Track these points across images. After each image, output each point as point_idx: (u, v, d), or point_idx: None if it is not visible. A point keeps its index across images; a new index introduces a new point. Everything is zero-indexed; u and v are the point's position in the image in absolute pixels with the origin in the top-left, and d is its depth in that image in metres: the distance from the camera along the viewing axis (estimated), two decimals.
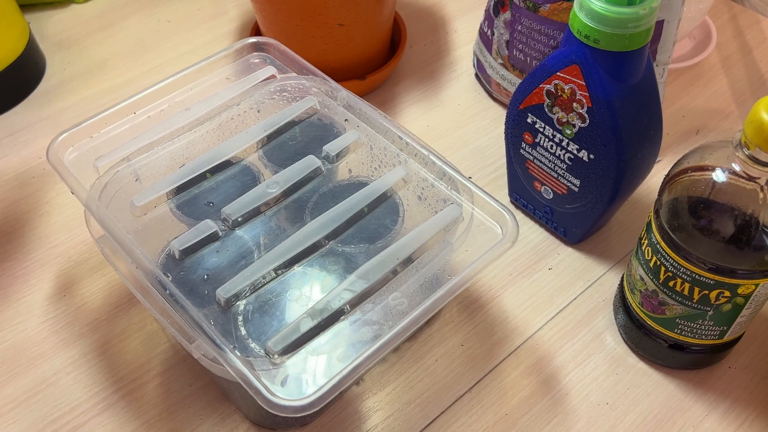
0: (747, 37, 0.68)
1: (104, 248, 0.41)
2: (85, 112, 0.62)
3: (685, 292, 0.40)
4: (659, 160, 0.57)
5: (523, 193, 0.53)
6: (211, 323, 0.35)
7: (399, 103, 0.63)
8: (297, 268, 0.40)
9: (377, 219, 0.43)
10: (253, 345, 0.37)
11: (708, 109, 0.62)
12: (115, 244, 0.40)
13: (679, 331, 0.42)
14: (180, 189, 0.44)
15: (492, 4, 0.58)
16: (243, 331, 0.38)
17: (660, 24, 0.51)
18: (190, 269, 0.40)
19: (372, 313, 0.37)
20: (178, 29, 0.71)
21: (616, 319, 0.47)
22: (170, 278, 0.39)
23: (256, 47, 0.51)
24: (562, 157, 0.47)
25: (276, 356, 0.35)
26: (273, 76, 0.50)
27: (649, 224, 0.41)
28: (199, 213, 0.43)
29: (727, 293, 0.38)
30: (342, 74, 0.60)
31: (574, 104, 0.44)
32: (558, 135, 0.46)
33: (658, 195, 0.40)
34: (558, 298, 0.49)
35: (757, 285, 0.38)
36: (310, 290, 0.40)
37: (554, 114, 0.45)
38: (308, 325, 0.36)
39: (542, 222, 0.53)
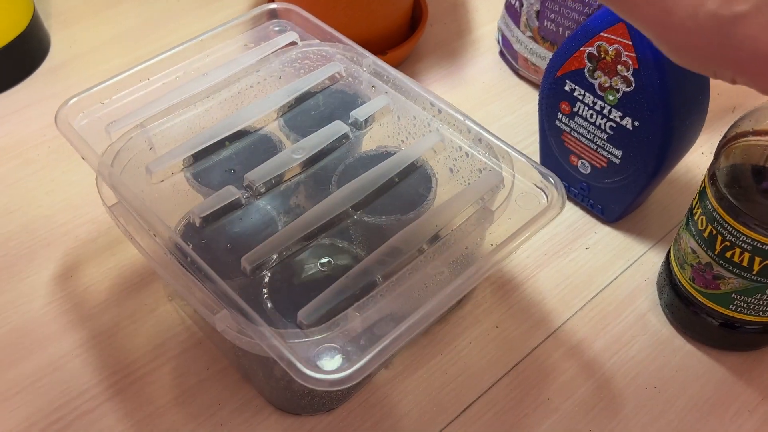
0: None
1: (118, 217, 0.38)
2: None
3: (745, 263, 0.37)
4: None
5: (557, 169, 0.50)
6: (237, 294, 0.32)
7: (421, 80, 0.61)
8: (325, 239, 0.37)
9: (409, 188, 0.40)
10: (279, 318, 0.34)
11: (743, 87, 0.59)
12: (130, 212, 0.37)
13: (734, 307, 0.39)
14: (197, 157, 0.41)
15: None
16: (269, 304, 0.35)
17: None
18: (212, 238, 0.37)
19: (409, 283, 0.34)
20: (191, 6, 0.68)
21: (660, 298, 0.44)
22: (191, 247, 0.36)
23: (276, 14, 0.48)
24: (603, 127, 0.44)
25: (308, 328, 0.32)
26: (294, 43, 0.47)
27: (702, 192, 0.38)
28: (219, 181, 0.40)
29: None
30: (366, 46, 0.58)
31: (619, 67, 0.41)
32: (599, 102, 0.43)
33: (714, 159, 0.37)
34: (597, 278, 0.46)
35: None
36: (340, 261, 0.37)
37: (596, 79, 0.43)
38: (341, 296, 0.33)
39: (578, 200, 0.50)
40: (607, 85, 0.42)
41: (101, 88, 0.42)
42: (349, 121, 0.43)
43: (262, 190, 0.39)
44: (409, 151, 0.41)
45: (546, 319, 0.44)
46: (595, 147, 0.45)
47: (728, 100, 0.58)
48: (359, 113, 0.42)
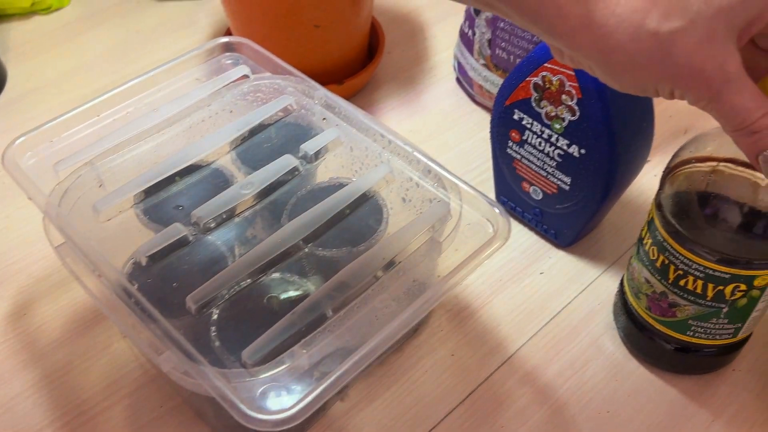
0: None
1: (65, 257, 0.37)
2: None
3: (698, 290, 0.37)
4: (649, 161, 0.56)
5: (511, 195, 0.50)
6: (181, 334, 0.32)
7: (379, 108, 0.61)
8: (274, 273, 0.37)
9: (360, 220, 0.40)
10: (228, 356, 0.34)
11: (694, 109, 0.60)
12: (77, 252, 0.36)
13: (691, 333, 0.40)
14: (147, 193, 0.41)
15: None
16: (217, 342, 0.35)
17: None
18: (159, 277, 0.37)
19: (357, 318, 0.34)
20: (148, 39, 0.68)
21: (617, 323, 0.45)
22: (136, 287, 0.36)
23: (228, 47, 0.49)
24: (551, 154, 0.45)
25: (252, 367, 0.32)
26: (246, 77, 0.47)
27: (651, 222, 0.39)
28: (168, 217, 0.40)
29: (742, 287, 0.36)
30: (319, 78, 0.57)
31: (563, 96, 0.42)
32: (547, 130, 0.44)
33: (659, 189, 0.38)
34: (551, 303, 0.47)
35: None
36: (288, 296, 0.37)
37: (542, 108, 0.43)
38: (287, 333, 0.33)
39: (532, 225, 0.51)
40: (553, 114, 0.43)
41: (50, 127, 0.42)
42: (300, 155, 0.43)
43: (211, 225, 0.39)
44: (361, 183, 0.41)
45: (501, 346, 0.45)
46: (545, 174, 0.46)
47: (680, 122, 0.59)
48: (308, 147, 0.43)
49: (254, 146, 0.44)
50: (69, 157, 0.41)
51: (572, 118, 0.42)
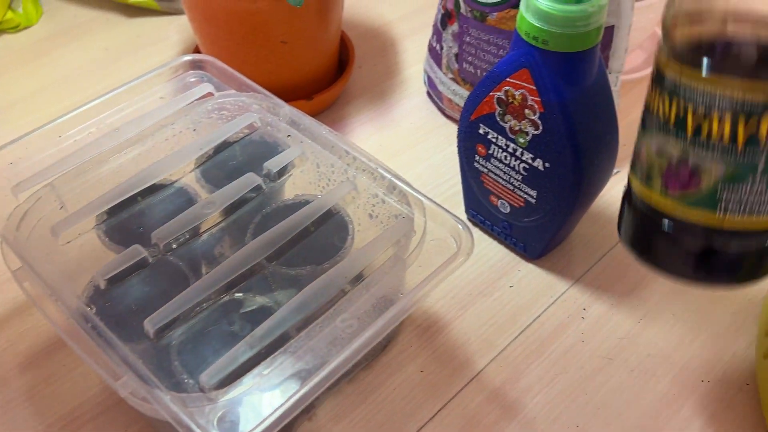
0: None
1: (22, 282, 0.37)
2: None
3: (726, 134, 0.31)
4: (617, 172, 0.56)
5: (479, 208, 0.50)
6: (139, 358, 0.32)
7: (349, 123, 0.61)
8: (237, 293, 0.37)
9: (324, 237, 0.40)
10: (187, 380, 0.34)
11: None
12: (34, 277, 0.36)
13: (723, 208, 0.32)
14: (108, 214, 0.40)
15: (439, 17, 0.56)
16: (177, 366, 0.34)
17: (610, 30, 0.50)
18: (117, 300, 0.36)
19: (318, 338, 0.34)
20: (118, 56, 0.68)
21: (624, 237, 0.39)
22: (94, 311, 0.35)
23: (193, 65, 0.48)
24: (517, 168, 0.45)
25: (211, 391, 0.32)
26: (210, 94, 0.47)
27: (658, 74, 0.33)
28: (130, 239, 0.39)
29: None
30: (288, 94, 0.58)
31: (526, 110, 0.42)
32: (511, 144, 0.44)
33: (663, 33, 0.33)
34: (521, 317, 0.47)
35: None
36: (250, 316, 0.36)
37: (506, 122, 0.43)
38: (247, 354, 0.33)
39: (501, 238, 0.51)
40: (517, 128, 0.43)
41: (9, 149, 0.42)
42: (263, 173, 0.42)
43: (173, 246, 0.38)
44: (325, 199, 0.41)
45: (470, 361, 0.44)
46: (512, 187, 0.46)
47: None
48: (272, 164, 0.42)
49: (218, 164, 0.44)
50: (29, 179, 0.41)
51: (536, 132, 0.42)
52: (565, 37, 0.38)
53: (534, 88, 0.40)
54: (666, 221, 0.35)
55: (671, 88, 0.32)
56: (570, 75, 0.40)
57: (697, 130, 0.31)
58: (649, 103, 0.34)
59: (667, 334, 0.46)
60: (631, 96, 0.62)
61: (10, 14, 0.69)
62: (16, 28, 0.70)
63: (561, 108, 0.40)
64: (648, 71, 0.63)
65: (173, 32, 0.71)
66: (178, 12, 0.72)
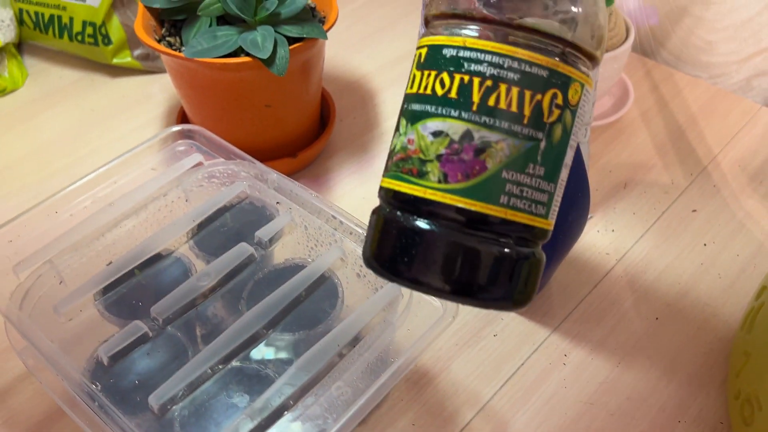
0: (662, 91, 0.71)
1: (27, 360, 0.38)
2: (3, 212, 0.60)
3: (514, 102, 0.28)
4: (591, 217, 0.59)
5: None
6: None
7: (333, 177, 0.63)
8: (234, 363, 0.39)
9: (316, 303, 0.42)
10: None
11: (633, 163, 0.63)
12: (38, 355, 0.37)
13: (506, 198, 0.29)
14: (107, 289, 0.42)
15: None
16: None
17: None
18: (120, 376, 0.38)
19: (315, 407, 0.36)
20: (104, 117, 0.70)
21: (378, 262, 0.32)
22: (99, 387, 0.37)
23: (181, 135, 0.50)
24: None
25: None
26: (200, 163, 0.49)
27: (433, 49, 0.30)
28: (130, 312, 0.41)
29: (559, 98, 0.29)
30: (273, 153, 0.60)
31: None
32: None
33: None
34: (506, 365, 0.49)
35: (583, 85, 0.30)
36: (249, 387, 0.38)
37: None
38: (248, 426, 0.35)
39: None
40: None
41: (7, 228, 0.43)
42: (255, 241, 0.44)
43: (171, 319, 0.40)
44: (315, 266, 0.43)
45: (459, 413, 0.46)
46: None
47: (619, 177, 0.62)
48: (263, 233, 0.44)
49: (211, 233, 0.46)
50: (29, 258, 0.42)
51: None
52: None
53: None
54: (441, 222, 0.30)
55: (451, 62, 0.29)
56: None
57: (485, 98, 0.29)
58: (421, 84, 0.30)
59: (644, 377, 0.48)
60: (601, 140, 0.65)
61: None
62: (2, 93, 0.72)
63: None
64: (616, 116, 0.66)
65: (157, 90, 0.73)
66: (161, 71, 0.74)
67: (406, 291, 0.41)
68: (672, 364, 0.49)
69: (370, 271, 0.43)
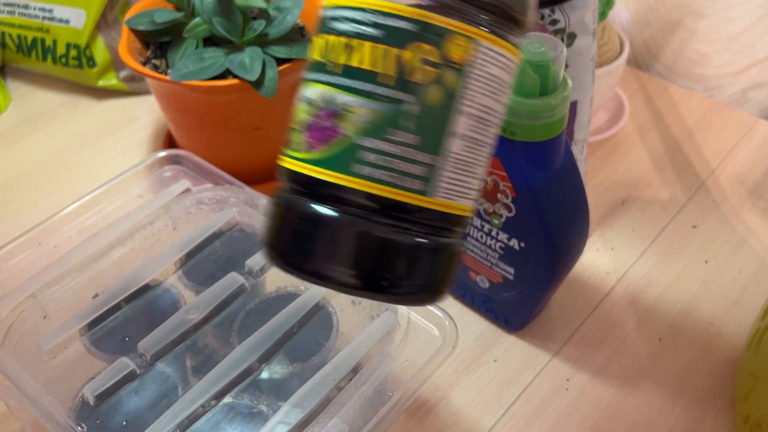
0: (657, 104, 0.70)
1: (9, 401, 0.37)
2: None
3: (373, 60, 0.25)
4: (589, 236, 0.57)
5: (459, 283, 0.51)
6: None
7: None
8: (227, 400, 0.37)
9: (310, 333, 0.41)
10: None
11: (630, 179, 0.62)
12: (22, 396, 0.36)
13: (368, 167, 0.26)
14: (93, 323, 0.40)
15: None
16: None
17: (574, 105, 0.52)
18: (107, 416, 0.36)
19: None
20: (90, 140, 0.68)
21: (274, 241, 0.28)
22: (85, 429, 0.35)
23: (169, 160, 0.49)
24: (493, 247, 0.46)
25: None
26: (188, 190, 0.47)
27: (319, 13, 0.28)
28: (117, 347, 0.39)
29: (432, 55, 0.25)
30: (263, 175, 0.59)
31: (499, 195, 0.43)
32: (486, 225, 0.45)
33: None
34: (507, 391, 0.47)
35: (474, 40, 0.25)
36: (242, 425, 0.37)
37: (481, 205, 0.45)
38: None
39: (482, 311, 0.52)
40: (491, 210, 0.44)
41: None
42: (245, 270, 0.43)
43: (159, 355, 0.39)
44: (308, 295, 0.42)
45: None
46: (489, 265, 0.47)
47: (616, 193, 0.61)
48: (254, 262, 0.43)
49: (200, 262, 0.44)
50: (11, 293, 0.41)
51: (509, 215, 0.43)
52: (532, 128, 0.40)
53: (505, 174, 0.42)
54: (328, 204, 0.27)
55: (324, 24, 0.27)
56: (539, 161, 0.41)
57: (345, 65, 0.26)
58: (309, 52, 0.29)
59: (649, 401, 0.47)
60: (597, 157, 0.64)
61: None
62: None
63: (532, 193, 0.42)
64: (612, 132, 0.65)
65: (143, 112, 0.71)
66: (147, 92, 0.73)
67: (403, 319, 0.40)
68: (677, 387, 0.47)
69: (363, 299, 0.42)
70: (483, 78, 0.26)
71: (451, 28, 0.25)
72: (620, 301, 0.53)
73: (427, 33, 0.25)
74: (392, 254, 0.26)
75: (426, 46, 0.25)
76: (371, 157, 0.26)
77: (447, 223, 0.27)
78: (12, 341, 0.39)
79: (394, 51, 0.25)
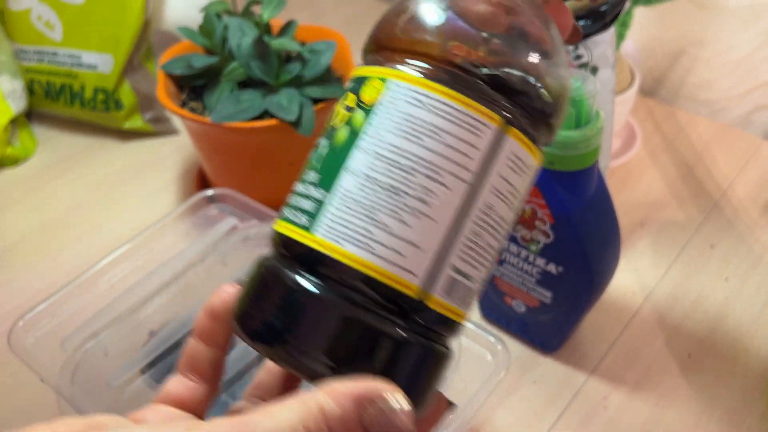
0: (665, 129, 0.73)
1: None
2: (30, 283, 0.59)
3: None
4: None
5: (495, 309, 0.53)
6: None
7: None
8: None
9: None
10: None
11: (647, 202, 0.65)
12: None
13: (285, 209, 0.26)
14: (156, 359, 0.42)
15: None
16: None
17: None
18: None
19: None
20: (117, 182, 0.70)
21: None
22: None
23: (212, 199, 0.51)
24: (530, 272, 0.48)
25: None
26: (235, 227, 0.49)
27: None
28: None
29: (349, 99, 0.26)
30: None
31: (537, 222, 0.45)
32: (523, 251, 0.47)
33: None
34: (548, 412, 0.49)
35: (386, 81, 0.25)
36: None
37: (517, 232, 0.47)
38: None
39: (518, 335, 0.54)
40: (528, 237, 0.46)
41: (49, 304, 0.43)
42: None
43: (224, 387, 0.40)
44: None
45: None
46: (526, 289, 0.49)
47: (635, 216, 0.64)
48: None
49: None
50: (73, 333, 0.42)
51: (547, 241, 0.45)
52: (569, 158, 0.42)
53: (544, 203, 0.44)
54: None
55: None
56: (575, 189, 0.44)
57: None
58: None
59: (685, 415, 0.48)
60: (614, 182, 0.67)
61: (9, 150, 0.70)
62: (15, 162, 0.72)
63: (570, 220, 0.44)
64: (627, 158, 0.68)
65: (169, 152, 0.73)
66: (171, 132, 0.75)
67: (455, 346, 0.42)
68: (711, 400, 0.49)
69: None
70: (387, 113, 0.25)
71: (368, 74, 0.26)
72: (648, 320, 0.55)
73: (354, 83, 0.26)
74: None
75: (351, 94, 0.26)
76: (291, 200, 0.26)
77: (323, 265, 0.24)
78: (80, 378, 0.40)
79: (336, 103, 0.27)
